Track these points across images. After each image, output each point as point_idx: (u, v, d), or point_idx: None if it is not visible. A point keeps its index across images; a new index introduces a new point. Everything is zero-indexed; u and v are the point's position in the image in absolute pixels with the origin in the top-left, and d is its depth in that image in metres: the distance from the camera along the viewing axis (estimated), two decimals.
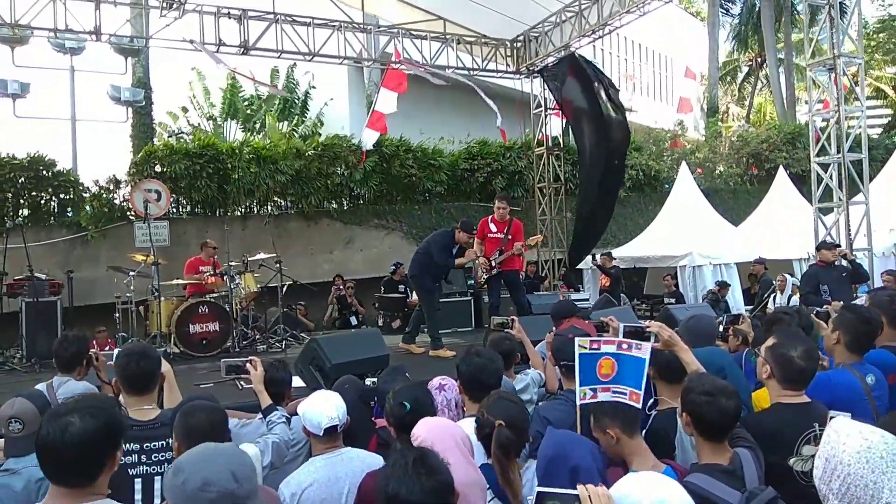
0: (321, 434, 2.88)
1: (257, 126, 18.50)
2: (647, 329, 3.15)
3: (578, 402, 2.74)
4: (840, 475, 1.54)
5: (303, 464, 3.25)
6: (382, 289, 11.20)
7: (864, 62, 9.99)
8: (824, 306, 5.08)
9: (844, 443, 1.58)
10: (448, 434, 2.42)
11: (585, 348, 2.82)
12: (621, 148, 11.64)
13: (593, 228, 12.61)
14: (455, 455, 2.29)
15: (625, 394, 2.79)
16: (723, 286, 11.39)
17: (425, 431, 2.41)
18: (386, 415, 2.80)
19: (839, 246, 8.52)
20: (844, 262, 8.14)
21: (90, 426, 1.83)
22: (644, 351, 2.78)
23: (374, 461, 2.86)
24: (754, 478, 2.26)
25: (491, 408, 2.55)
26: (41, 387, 3.79)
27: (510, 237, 8.10)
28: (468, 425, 2.78)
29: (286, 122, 18.50)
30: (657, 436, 2.74)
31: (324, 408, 2.89)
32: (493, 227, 8.24)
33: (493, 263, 8.08)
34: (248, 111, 18.85)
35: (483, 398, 2.92)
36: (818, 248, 8.34)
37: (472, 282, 10.13)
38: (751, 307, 10.64)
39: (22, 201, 11.33)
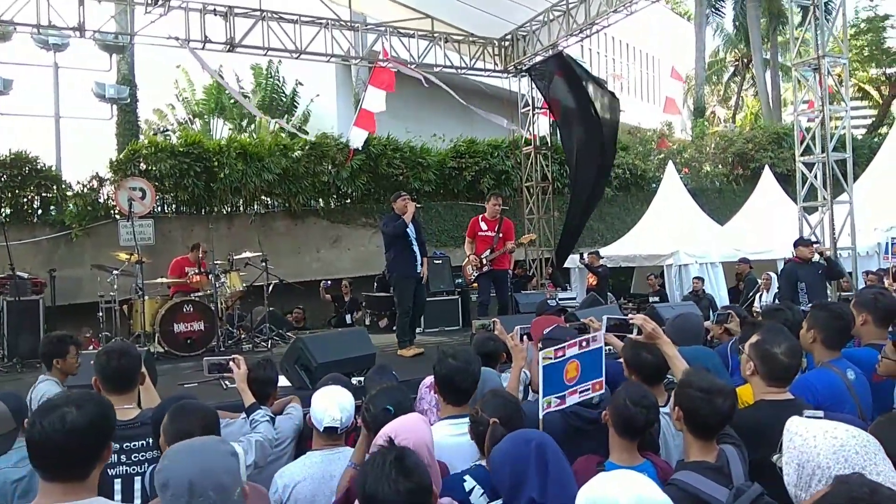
0: (321, 430, 2.87)
1: (244, 124, 18.39)
2: (631, 322, 3.14)
3: (542, 413, 2.72)
4: (821, 479, 1.54)
5: (288, 462, 3.24)
6: (375, 285, 11.18)
7: (850, 62, 10.08)
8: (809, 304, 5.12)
9: (815, 445, 1.58)
10: (407, 440, 2.38)
11: (551, 358, 2.80)
12: (608, 148, 11.65)
13: (580, 229, 12.65)
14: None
15: (588, 389, 2.81)
16: (698, 279, 11.50)
17: (402, 431, 2.38)
18: (365, 420, 2.73)
19: (816, 242, 8.61)
20: (820, 259, 8.23)
21: (88, 414, 1.82)
22: (598, 341, 2.81)
23: None
24: (740, 475, 2.26)
25: (486, 405, 2.55)
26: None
27: (501, 236, 8.20)
28: (441, 428, 2.77)
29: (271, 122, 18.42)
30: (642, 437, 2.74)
31: (329, 407, 2.86)
32: (483, 226, 8.34)
33: (485, 261, 8.15)
34: (235, 109, 18.75)
35: (457, 401, 2.89)
36: (795, 245, 8.44)
37: (462, 280, 10.14)
38: (736, 305, 10.71)
39: (3, 199, 11.19)
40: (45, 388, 3.74)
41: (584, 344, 2.84)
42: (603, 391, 2.82)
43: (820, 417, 2.04)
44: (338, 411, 2.84)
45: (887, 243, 10.25)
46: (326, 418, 2.84)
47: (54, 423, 1.78)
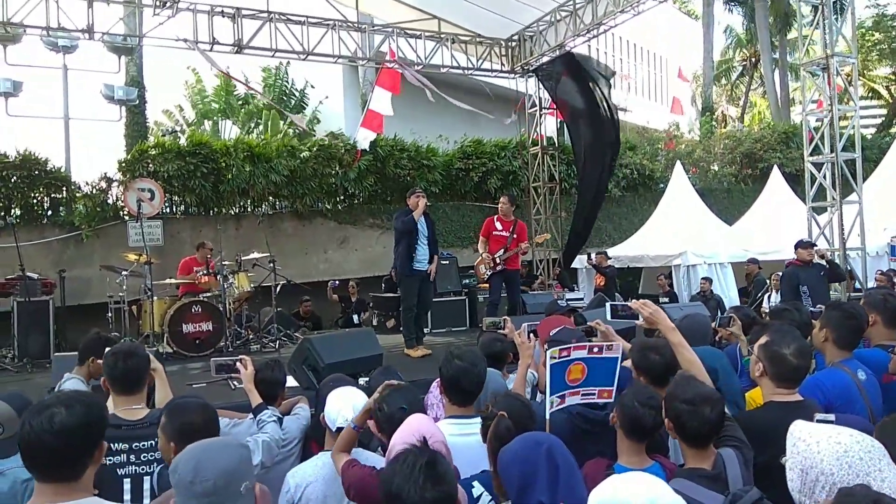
0: (334, 431, 2.88)
1: (259, 127, 18.42)
2: (631, 307, 3.14)
3: (548, 413, 2.72)
4: (825, 485, 1.53)
5: (295, 463, 3.25)
6: (383, 286, 11.21)
7: (860, 61, 10.03)
8: (817, 306, 5.10)
9: (819, 451, 1.57)
10: (440, 437, 2.40)
11: (556, 358, 2.80)
12: (614, 147, 11.63)
13: (587, 229, 12.62)
14: None
15: (593, 393, 2.81)
16: (706, 280, 11.44)
17: (404, 432, 2.39)
18: (377, 419, 2.74)
19: (816, 245, 8.57)
20: (822, 262, 8.19)
21: (77, 414, 1.82)
22: (615, 350, 2.79)
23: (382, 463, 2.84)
24: (738, 478, 2.24)
25: (498, 404, 2.55)
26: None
27: (515, 236, 8.25)
28: (444, 427, 2.76)
29: (282, 122, 18.46)
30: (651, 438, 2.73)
31: (342, 408, 2.87)
32: (498, 226, 8.43)
33: (498, 260, 8.21)
34: (243, 111, 18.82)
35: (462, 401, 2.88)
36: (796, 248, 8.40)
37: (471, 280, 10.17)
38: (745, 306, 10.66)
39: (14, 200, 11.26)
40: (70, 385, 3.76)
41: (595, 349, 2.82)
42: (612, 399, 2.82)
43: (831, 421, 2.03)
44: (351, 412, 2.84)
45: (892, 246, 10.22)
46: (339, 419, 2.84)
47: (43, 424, 1.79)
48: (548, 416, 2.69)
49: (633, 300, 3.19)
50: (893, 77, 34.07)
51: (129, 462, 2.70)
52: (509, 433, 2.34)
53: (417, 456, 1.84)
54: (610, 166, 11.93)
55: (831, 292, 8.68)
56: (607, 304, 3.40)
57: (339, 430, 2.85)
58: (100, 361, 3.85)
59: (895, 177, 12.98)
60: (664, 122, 25.92)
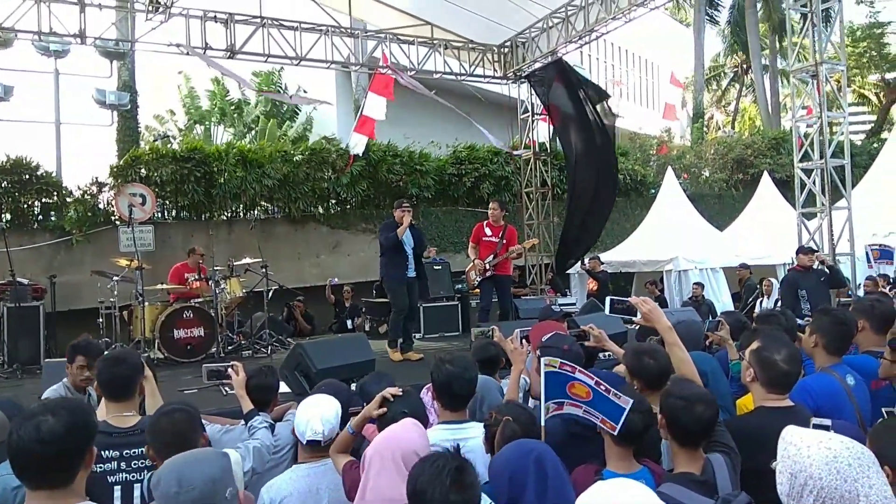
0: (304, 443, 2.85)
1: (253, 132, 18.39)
2: (630, 302, 3.15)
3: (544, 418, 2.71)
4: (812, 490, 1.55)
5: (287, 468, 3.24)
6: (374, 292, 11.21)
7: (850, 68, 10.11)
8: (805, 318, 5.12)
9: (809, 455, 1.59)
10: (390, 448, 2.35)
11: (554, 367, 2.78)
12: (608, 154, 11.62)
13: (584, 235, 12.57)
14: (389, 473, 2.25)
15: (597, 417, 2.78)
16: (697, 285, 11.48)
17: (378, 441, 2.39)
18: (381, 425, 2.73)
19: (817, 251, 8.63)
20: (822, 267, 8.25)
21: (63, 422, 1.81)
22: (623, 402, 2.73)
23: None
24: (727, 482, 2.25)
25: (502, 411, 2.60)
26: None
27: (504, 242, 8.26)
28: (437, 433, 2.78)
29: (278, 130, 18.45)
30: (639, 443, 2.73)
31: (311, 419, 2.82)
32: (487, 231, 8.45)
33: (488, 266, 8.21)
34: (235, 115, 18.80)
35: (454, 406, 2.90)
36: (797, 253, 8.48)
37: (464, 286, 10.18)
38: (737, 311, 10.70)
39: (4, 205, 11.19)
40: (52, 393, 3.72)
41: (602, 387, 2.67)
42: (614, 432, 2.78)
43: (828, 427, 2.04)
44: (320, 424, 2.80)
45: (866, 252, 10.31)
46: (308, 431, 2.79)
47: (30, 433, 1.78)
48: (543, 423, 2.69)
49: (633, 297, 3.19)
50: (882, 83, 34.38)
51: (119, 469, 2.68)
52: (514, 436, 2.36)
53: (447, 461, 1.86)
54: (609, 172, 11.84)
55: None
56: (607, 298, 3.41)
57: (310, 442, 2.82)
58: (73, 366, 3.80)
59: (883, 182, 13.09)
60: (656, 128, 26.06)
